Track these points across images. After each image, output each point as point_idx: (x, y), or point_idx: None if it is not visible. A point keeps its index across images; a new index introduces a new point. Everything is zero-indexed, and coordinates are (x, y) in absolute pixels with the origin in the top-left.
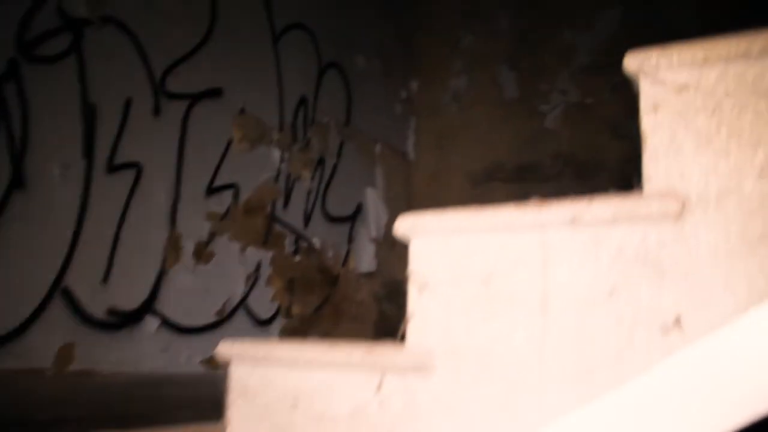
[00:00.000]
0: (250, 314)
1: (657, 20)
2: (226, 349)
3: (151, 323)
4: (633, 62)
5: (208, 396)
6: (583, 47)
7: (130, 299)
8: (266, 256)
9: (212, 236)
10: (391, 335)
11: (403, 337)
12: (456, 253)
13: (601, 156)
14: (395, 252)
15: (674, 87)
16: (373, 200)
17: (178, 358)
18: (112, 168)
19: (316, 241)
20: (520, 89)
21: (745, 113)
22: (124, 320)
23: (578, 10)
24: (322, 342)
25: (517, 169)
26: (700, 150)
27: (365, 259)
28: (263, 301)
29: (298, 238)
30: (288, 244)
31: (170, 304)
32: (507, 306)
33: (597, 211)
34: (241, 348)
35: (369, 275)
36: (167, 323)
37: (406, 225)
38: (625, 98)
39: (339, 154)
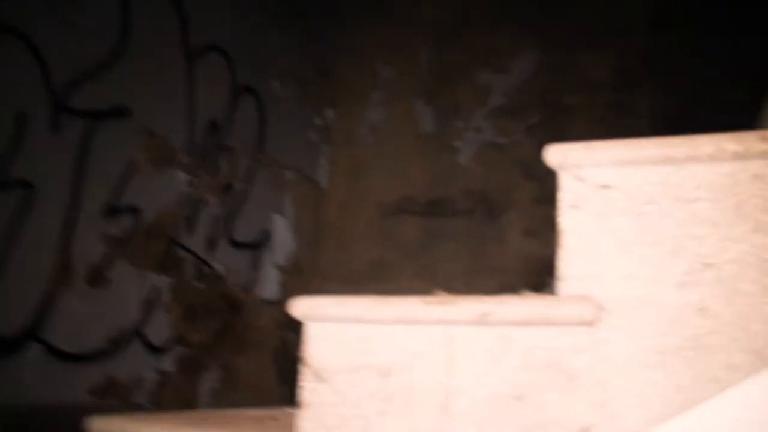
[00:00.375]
0: (145, 342)
1: (573, 66)
2: (102, 425)
3: (33, 351)
4: (555, 156)
5: None
6: (499, 88)
7: (10, 325)
8: (166, 281)
9: (108, 260)
10: (292, 365)
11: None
12: (355, 342)
13: (512, 196)
14: (301, 280)
15: (596, 186)
16: (282, 228)
17: (63, 388)
18: (0, 186)
19: (220, 268)
20: (436, 125)
21: (666, 220)
22: (1, 348)
23: (496, 51)
24: (204, 422)
25: (429, 204)
26: (620, 254)
27: (270, 286)
28: (160, 329)
29: (202, 263)
30: (190, 269)
31: (57, 331)
32: (407, 403)
33: (508, 311)
34: (113, 424)
35: (273, 303)
36: (53, 351)
37: (303, 307)
38: (537, 141)
39: (249, 180)
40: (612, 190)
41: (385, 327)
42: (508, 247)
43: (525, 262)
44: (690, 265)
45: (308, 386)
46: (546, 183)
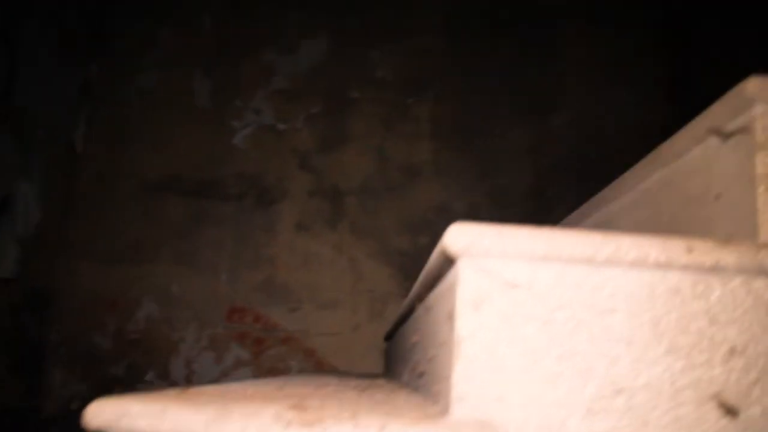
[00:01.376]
0: None
1: (361, 61)
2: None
3: None
4: (459, 238)
5: None
6: (284, 70)
7: None
8: None
9: None
10: (29, 351)
11: None
12: None
13: (286, 185)
14: (44, 256)
15: (504, 283)
16: (25, 194)
17: None
18: None
19: None
20: (213, 100)
21: (579, 332)
22: None
23: (284, 32)
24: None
25: (198, 184)
26: (526, 371)
27: (6, 262)
28: None
29: None
30: None
31: None
32: None
33: None
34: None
35: (8, 282)
36: None
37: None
38: (317, 130)
39: None
40: (521, 290)
41: None
42: (279, 239)
43: (294, 256)
44: (600, 390)
45: None
46: (322, 176)
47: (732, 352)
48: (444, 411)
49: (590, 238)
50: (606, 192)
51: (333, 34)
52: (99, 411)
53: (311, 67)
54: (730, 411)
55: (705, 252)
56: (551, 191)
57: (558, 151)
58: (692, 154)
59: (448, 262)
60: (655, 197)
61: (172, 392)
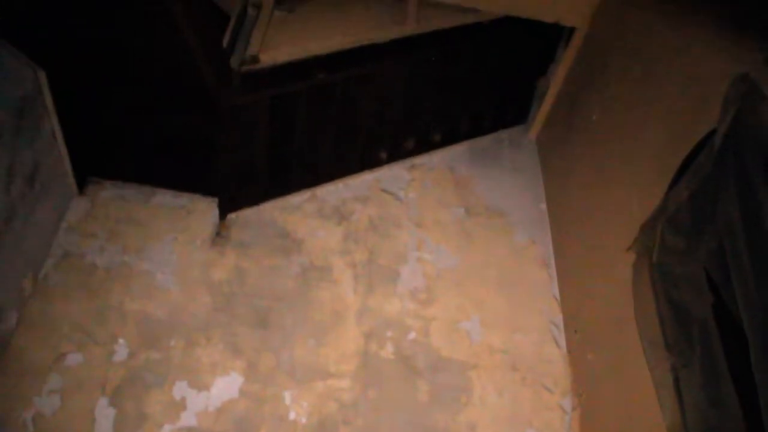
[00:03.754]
0: None
1: (276, 399)
2: None
3: None
4: None
5: None
6: (194, 406)
7: None
8: None
9: None
10: None
11: None
12: None
13: None
14: None
15: None
16: None
17: None
18: None
19: None
20: (114, 429)
21: None
22: None
23: (198, 366)
24: None
25: None
26: None
27: None
28: None
29: None
30: None
31: None
32: None
33: None
34: None
35: None
36: None
37: None
38: None
39: None
40: None
41: None
42: None
43: None
44: None
45: None
46: None
47: None
48: None
49: None
50: None
51: (247, 372)
52: None
53: (223, 404)
54: None
55: None
56: None
57: None
58: None
59: None
60: None
61: None
